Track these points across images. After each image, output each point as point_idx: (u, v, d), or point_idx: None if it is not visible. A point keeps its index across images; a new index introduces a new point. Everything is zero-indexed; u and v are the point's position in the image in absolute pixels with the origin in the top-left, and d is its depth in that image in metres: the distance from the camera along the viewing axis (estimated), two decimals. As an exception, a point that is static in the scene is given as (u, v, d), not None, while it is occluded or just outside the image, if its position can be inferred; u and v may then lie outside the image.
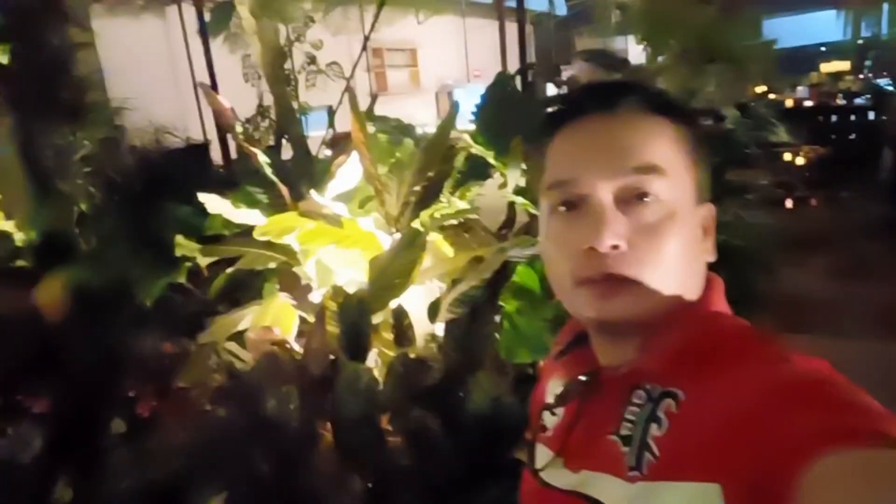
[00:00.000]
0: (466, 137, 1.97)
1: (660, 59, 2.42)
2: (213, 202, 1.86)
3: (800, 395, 0.45)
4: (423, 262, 1.57)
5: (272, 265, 1.92)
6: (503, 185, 1.82)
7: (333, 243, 1.70)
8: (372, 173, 1.80)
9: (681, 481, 0.47)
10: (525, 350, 1.50)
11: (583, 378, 0.62)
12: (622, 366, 0.58)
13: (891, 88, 7.26)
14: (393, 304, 1.61)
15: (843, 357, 0.66)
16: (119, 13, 4.06)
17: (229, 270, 2.05)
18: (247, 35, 2.05)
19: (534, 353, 1.49)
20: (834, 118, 7.10)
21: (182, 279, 2.13)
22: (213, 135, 3.85)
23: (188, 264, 2.06)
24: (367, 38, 3.94)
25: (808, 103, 7.58)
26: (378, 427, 1.39)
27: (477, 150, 1.93)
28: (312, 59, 4.26)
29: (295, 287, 1.93)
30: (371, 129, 2.17)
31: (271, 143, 2.92)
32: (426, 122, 4.61)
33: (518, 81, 2.66)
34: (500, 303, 1.53)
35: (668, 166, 0.55)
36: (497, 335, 1.49)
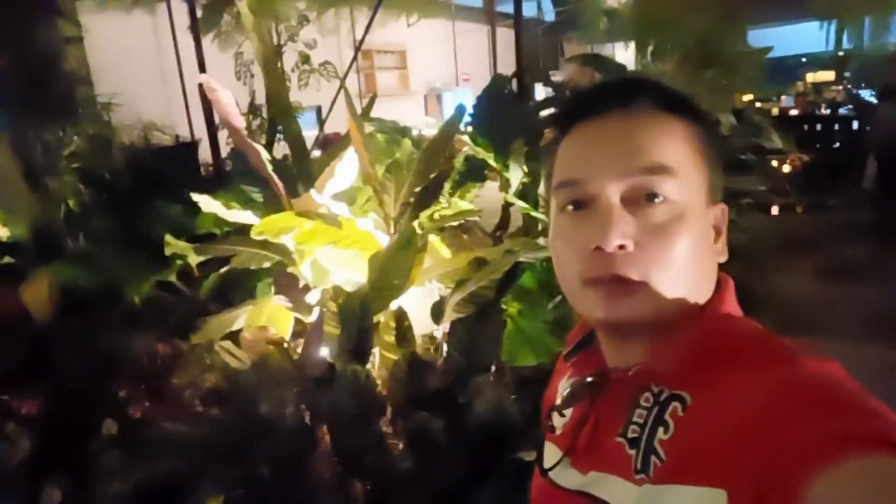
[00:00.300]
0: (465, 139, 1.97)
1: (654, 64, 2.45)
2: (206, 202, 1.83)
3: (808, 400, 0.44)
4: (423, 263, 1.56)
5: (266, 264, 1.89)
6: (504, 188, 1.81)
7: (331, 243, 1.68)
8: (370, 174, 1.78)
9: (686, 485, 0.47)
10: (527, 351, 1.49)
11: (591, 379, 0.62)
12: (630, 367, 0.57)
13: (872, 99, 7.41)
14: (393, 305, 1.59)
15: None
16: (108, 8, 4.00)
17: (222, 270, 2.02)
18: (246, 31, 2.02)
19: (536, 355, 1.48)
20: (819, 127, 7.23)
21: (172, 278, 2.09)
22: (200, 132, 3.80)
23: (179, 263, 2.02)
24: (361, 41, 3.92)
25: (794, 112, 7.71)
26: (378, 429, 1.37)
27: (476, 151, 1.92)
28: (306, 59, 4.23)
29: (290, 287, 1.90)
30: (368, 129, 2.15)
31: (262, 141, 2.90)
32: (415, 124, 4.60)
33: (514, 84, 2.67)
34: (503, 305, 1.52)
35: (679, 166, 0.55)
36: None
